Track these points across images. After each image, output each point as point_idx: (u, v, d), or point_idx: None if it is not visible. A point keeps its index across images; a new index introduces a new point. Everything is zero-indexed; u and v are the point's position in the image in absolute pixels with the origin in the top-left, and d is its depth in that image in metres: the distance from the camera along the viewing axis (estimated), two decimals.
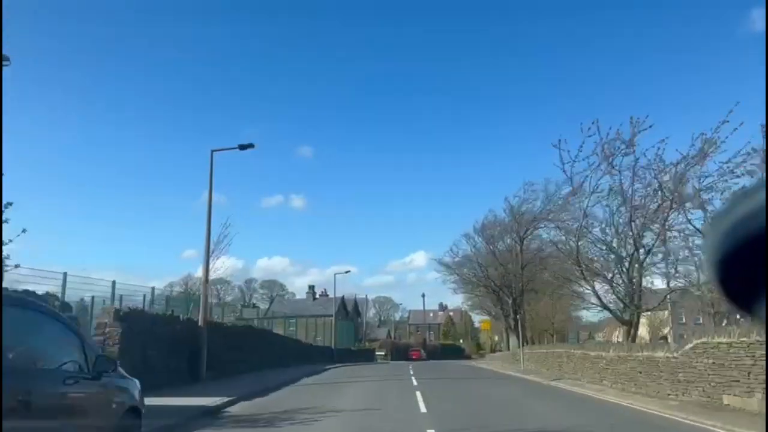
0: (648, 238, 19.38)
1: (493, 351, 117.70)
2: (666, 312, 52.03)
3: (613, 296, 21.21)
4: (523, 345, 31.43)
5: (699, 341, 11.80)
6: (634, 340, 19.04)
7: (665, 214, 18.11)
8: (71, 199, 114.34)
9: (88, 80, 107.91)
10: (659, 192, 18.24)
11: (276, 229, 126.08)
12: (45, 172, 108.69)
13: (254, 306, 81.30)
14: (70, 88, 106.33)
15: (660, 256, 19.60)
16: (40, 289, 14.00)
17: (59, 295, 15.05)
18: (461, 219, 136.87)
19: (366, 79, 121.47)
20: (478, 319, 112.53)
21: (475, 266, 46.38)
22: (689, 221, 17.72)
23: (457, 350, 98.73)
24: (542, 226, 44.63)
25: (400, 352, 71.58)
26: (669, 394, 12.90)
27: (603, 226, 19.89)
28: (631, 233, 19.33)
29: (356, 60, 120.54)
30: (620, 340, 50.73)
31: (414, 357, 71.27)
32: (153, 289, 25.53)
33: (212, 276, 19.45)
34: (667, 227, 18.27)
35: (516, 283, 44.41)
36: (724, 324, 25.74)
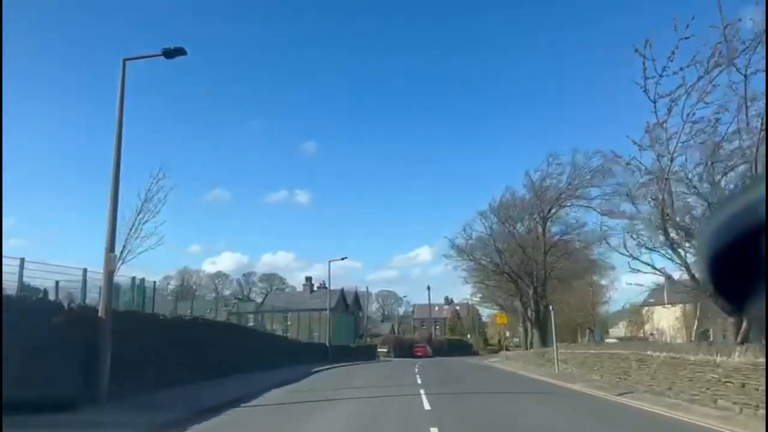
0: None
1: (501, 346, 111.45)
2: None
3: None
4: (557, 342, 24.95)
5: None
6: (746, 338, 12.60)
7: None
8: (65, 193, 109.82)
9: (88, 77, 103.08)
10: None
11: (280, 225, 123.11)
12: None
13: (249, 299, 75.06)
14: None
15: None
16: None
17: None
18: (467, 213, 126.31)
19: (371, 72, 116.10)
20: (487, 313, 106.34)
21: (491, 250, 39.79)
22: None
23: (465, 346, 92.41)
24: (568, 204, 38.20)
25: (404, 349, 65.23)
26: None
27: (698, 170, 13.43)
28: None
29: (361, 53, 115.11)
30: (664, 335, 43.93)
31: (419, 354, 64.95)
32: (85, 271, 19.05)
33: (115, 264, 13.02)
34: None
35: (538, 270, 37.89)
36: None
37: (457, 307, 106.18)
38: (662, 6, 48.15)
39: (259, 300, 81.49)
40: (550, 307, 25.56)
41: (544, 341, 38.69)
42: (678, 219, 14.14)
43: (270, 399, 14.35)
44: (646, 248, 16.50)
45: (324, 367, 29.36)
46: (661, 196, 13.66)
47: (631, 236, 17.46)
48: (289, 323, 51.24)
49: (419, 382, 18.41)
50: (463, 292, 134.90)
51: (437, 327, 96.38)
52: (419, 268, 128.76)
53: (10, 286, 13.15)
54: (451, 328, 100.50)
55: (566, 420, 11.04)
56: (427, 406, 11.86)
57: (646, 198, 16.17)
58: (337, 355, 41.60)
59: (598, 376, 18.64)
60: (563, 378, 20.73)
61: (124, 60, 12.93)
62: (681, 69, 12.31)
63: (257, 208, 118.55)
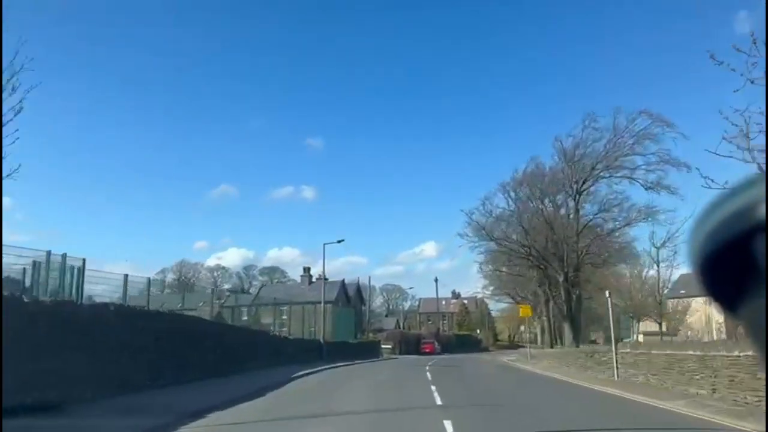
0: None
1: (512, 342, 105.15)
2: None
3: None
4: (615, 338, 18.55)
5: None
6: None
7: None
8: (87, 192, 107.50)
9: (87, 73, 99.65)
10: None
11: (286, 221, 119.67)
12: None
13: (245, 292, 68.95)
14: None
15: None
16: None
17: None
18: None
19: (377, 66, 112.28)
20: (498, 307, 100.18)
21: (515, 230, 33.32)
22: None
23: (474, 342, 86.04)
24: (606, 175, 31.72)
25: (410, 345, 58.97)
26: None
27: None
28: None
29: (365, 48, 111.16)
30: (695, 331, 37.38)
31: (427, 351, 58.64)
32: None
33: None
34: None
35: (569, 253, 31.47)
36: None
37: (465, 301, 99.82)
38: None
39: (262, 294, 75.23)
40: (607, 294, 19.12)
41: (577, 337, 32.39)
42: None
43: None
44: None
45: (311, 370, 23.07)
46: None
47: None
48: (285, 317, 45.02)
49: (439, 401, 11.92)
50: (471, 286, 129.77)
51: (444, 321, 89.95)
52: (424, 264, 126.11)
53: None
54: (459, 322, 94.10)
55: None
56: None
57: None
58: (333, 352, 35.38)
59: (706, 391, 12.30)
60: (641, 391, 14.34)
61: None
62: None
63: (263, 204, 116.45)
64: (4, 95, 10.99)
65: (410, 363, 33.05)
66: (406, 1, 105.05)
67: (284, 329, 42.27)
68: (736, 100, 11.83)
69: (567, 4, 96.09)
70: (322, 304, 35.46)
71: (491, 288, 66.08)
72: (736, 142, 9.60)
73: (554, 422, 9.49)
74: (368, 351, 45.77)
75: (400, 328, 72.33)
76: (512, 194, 32.62)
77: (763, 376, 9.14)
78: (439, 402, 11.78)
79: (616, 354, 18.11)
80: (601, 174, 31.53)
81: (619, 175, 30.97)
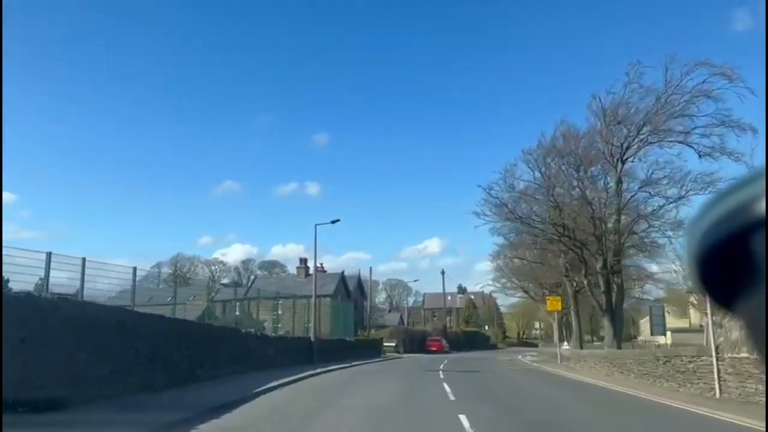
0: None
1: (521, 340, 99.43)
2: None
3: None
4: (713, 344, 12.83)
5: None
6: None
7: None
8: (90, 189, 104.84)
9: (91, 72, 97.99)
10: None
11: (290, 217, 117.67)
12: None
13: (238, 285, 63.34)
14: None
15: None
16: None
17: None
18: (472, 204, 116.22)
19: (382, 62, 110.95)
20: (507, 302, 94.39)
21: (543, 207, 27.51)
22: None
23: (482, 339, 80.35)
24: (655, 140, 25.96)
25: (415, 343, 53.37)
26: None
27: None
28: None
29: (372, 45, 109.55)
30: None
31: (433, 349, 52.98)
32: None
33: None
34: None
35: (609, 234, 25.76)
36: None
37: (472, 296, 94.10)
38: None
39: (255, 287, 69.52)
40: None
41: (618, 335, 26.64)
42: None
43: None
44: None
45: (291, 379, 17.37)
46: None
47: None
48: (279, 312, 39.41)
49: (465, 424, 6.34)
50: (476, 283, 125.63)
51: (450, 318, 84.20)
52: (428, 260, 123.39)
53: None
54: (465, 319, 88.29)
55: None
56: None
57: None
58: (327, 352, 29.82)
59: None
60: None
61: None
62: None
63: (267, 200, 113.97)
64: None
65: (418, 366, 27.40)
66: None
67: (279, 326, 36.92)
68: None
69: None
70: (313, 297, 29.85)
71: (503, 281, 60.36)
72: None
73: None
74: (369, 350, 40.15)
75: (403, 324, 66.61)
76: (539, 164, 26.65)
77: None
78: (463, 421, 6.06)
79: (717, 360, 12.40)
80: (648, 138, 25.72)
81: (670, 139, 25.16)
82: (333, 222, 29.29)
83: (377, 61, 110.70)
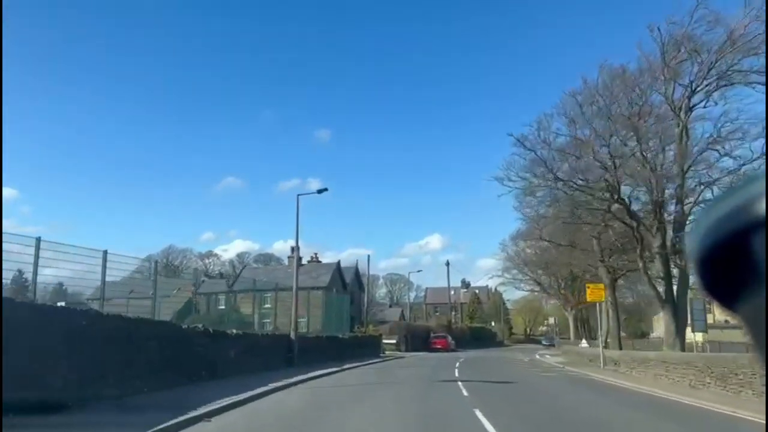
0: None
1: (528, 336, 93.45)
2: None
3: None
4: None
5: None
6: None
7: None
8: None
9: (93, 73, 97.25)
10: None
11: (292, 213, 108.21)
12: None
13: (223, 276, 57.48)
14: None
15: None
16: None
17: None
18: (480, 201, 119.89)
19: (385, 59, 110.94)
20: (513, 298, 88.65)
21: (588, 164, 21.45)
22: None
23: (488, 335, 74.40)
24: (725, 83, 19.98)
25: (417, 340, 47.55)
26: None
27: None
28: None
29: (374, 40, 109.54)
30: None
31: (438, 347, 47.17)
32: None
33: None
34: None
35: (669, 203, 19.84)
36: None
37: (476, 291, 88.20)
38: None
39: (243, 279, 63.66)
40: None
41: (681, 332, 20.70)
42: None
43: None
44: None
45: (237, 398, 11.43)
46: None
47: None
48: (268, 306, 33.55)
49: None
50: (478, 279, 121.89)
51: (455, 313, 78.32)
52: (429, 256, 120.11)
53: None
54: (470, 314, 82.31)
55: None
56: None
57: None
58: (313, 353, 24.02)
59: None
60: None
61: None
62: None
63: (269, 196, 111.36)
64: None
65: (426, 371, 21.49)
66: None
67: (266, 321, 31.26)
68: None
69: None
70: (294, 286, 23.97)
71: (513, 272, 54.52)
72: None
73: None
74: (366, 348, 34.31)
75: (404, 319, 60.70)
76: (585, 113, 20.60)
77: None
78: None
79: None
80: (718, 83, 19.79)
81: (750, 81, 19.21)
82: (319, 192, 23.36)
83: (380, 57, 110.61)
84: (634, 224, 20.29)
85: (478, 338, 65.34)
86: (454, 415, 9.61)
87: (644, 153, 19.29)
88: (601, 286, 22.14)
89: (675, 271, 20.77)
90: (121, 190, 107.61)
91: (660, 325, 68.55)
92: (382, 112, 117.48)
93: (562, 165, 21.17)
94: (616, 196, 19.73)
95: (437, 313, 79.75)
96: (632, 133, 19.46)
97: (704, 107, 19.82)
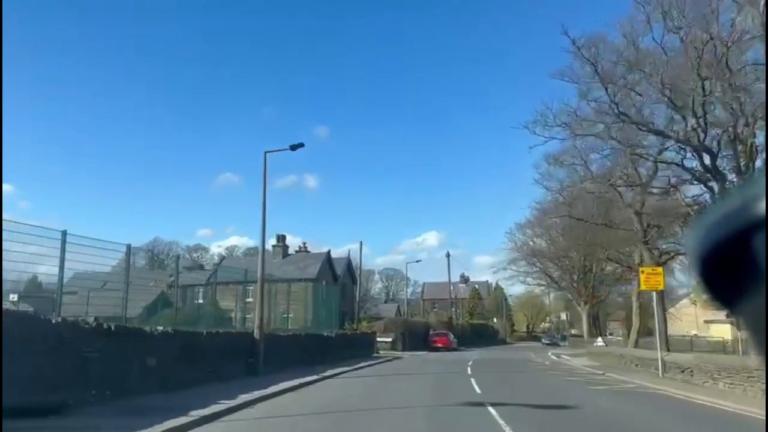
0: None
1: (530, 333, 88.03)
2: None
3: None
4: None
5: None
6: None
7: None
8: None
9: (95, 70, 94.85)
10: None
11: (289, 209, 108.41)
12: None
13: (201, 267, 51.91)
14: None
15: None
16: None
17: None
18: (477, 200, 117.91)
19: (384, 56, 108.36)
20: (517, 291, 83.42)
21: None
22: None
23: (490, 333, 69.12)
24: None
25: (415, 337, 42.20)
26: None
27: None
28: None
29: (373, 38, 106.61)
30: None
31: (439, 345, 41.83)
32: None
33: None
34: None
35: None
36: None
37: (476, 286, 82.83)
38: None
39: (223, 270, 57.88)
40: None
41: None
42: None
43: None
44: None
45: None
46: None
47: None
48: (249, 299, 28.09)
49: None
50: (476, 276, 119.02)
51: (454, 309, 72.97)
52: (426, 252, 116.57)
53: None
54: (470, 310, 76.91)
55: None
56: None
57: None
58: (286, 355, 18.68)
59: None
60: None
61: None
62: None
63: (267, 192, 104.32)
64: None
65: (431, 380, 16.06)
66: None
67: (248, 316, 25.81)
68: None
69: None
70: (259, 271, 18.47)
71: (521, 263, 49.19)
72: None
73: None
74: (357, 347, 28.98)
75: (401, 315, 55.33)
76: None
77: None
78: None
79: None
80: None
81: None
82: (293, 148, 17.75)
83: (379, 54, 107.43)
84: (714, 185, 14.92)
85: (479, 336, 60.12)
86: None
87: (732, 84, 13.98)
88: (659, 270, 16.77)
89: None
90: (116, 187, 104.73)
91: (675, 323, 63.04)
92: (379, 110, 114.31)
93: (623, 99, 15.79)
94: (701, 136, 14.30)
95: (435, 310, 74.41)
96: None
97: None
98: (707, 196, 16.95)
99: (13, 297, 15.04)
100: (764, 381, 11.11)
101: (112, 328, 10.49)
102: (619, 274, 46.41)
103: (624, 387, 14.52)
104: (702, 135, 14.61)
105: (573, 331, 63.15)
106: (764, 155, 15.54)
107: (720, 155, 15.44)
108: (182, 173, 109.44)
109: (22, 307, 14.12)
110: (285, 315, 34.25)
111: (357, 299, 36.70)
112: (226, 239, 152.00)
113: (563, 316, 49.70)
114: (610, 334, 54.92)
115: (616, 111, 15.82)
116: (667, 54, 15.70)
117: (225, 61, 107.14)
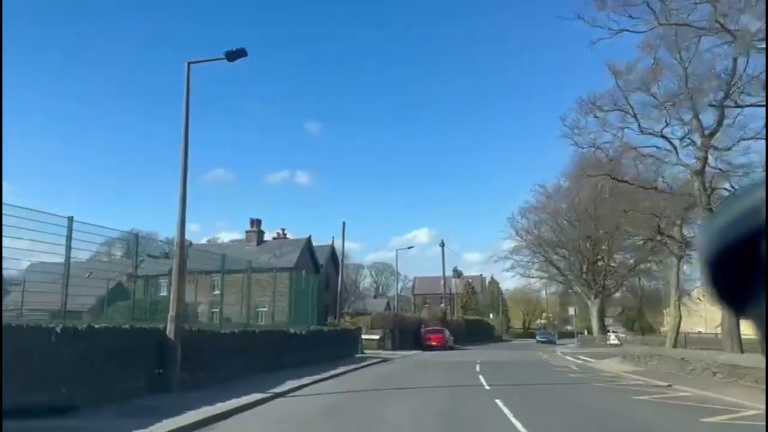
0: None
1: (527, 330, 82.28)
2: None
3: None
4: None
5: None
6: None
7: None
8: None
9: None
10: None
11: (280, 205, 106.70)
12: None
13: (167, 256, 45.61)
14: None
15: None
16: None
17: None
18: (470, 197, 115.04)
19: (377, 53, 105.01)
20: (510, 285, 78.41)
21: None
22: None
23: (486, 329, 63.78)
24: None
25: (406, 335, 36.65)
26: None
27: None
28: None
29: (365, 35, 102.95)
30: None
31: (434, 344, 36.32)
32: None
33: None
34: None
35: None
36: None
37: (470, 280, 77.42)
38: None
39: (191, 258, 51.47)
40: None
41: None
42: None
43: None
44: None
45: None
46: None
47: None
48: (216, 292, 22.26)
49: None
50: (470, 269, 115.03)
51: (451, 304, 67.49)
52: (417, 249, 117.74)
53: None
54: (463, 305, 71.45)
55: None
56: None
57: None
58: (237, 361, 13.09)
59: None
60: None
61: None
62: None
63: (258, 188, 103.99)
64: None
65: (438, 398, 10.47)
66: None
67: (215, 311, 20.45)
68: None
69: None
70: (177, 251, 12.55)
71: (524, 252, 43.78)
72: None
73: None
74: (336, 347, 23.41)
75: (391, 309, 49.72)
76: None
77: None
78: None
79: None
80: None
81: None
82: (229, 57, 11.74)
83: (372, 51, 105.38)
84: None
85: (475, 332, 54.75)
86: None
87: None
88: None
89: None
90: (108, 181, 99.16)
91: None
92: (371, 107, 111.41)
93: None
94: None
95: (427, 305, 68.91)
96: None
97: None
98: None
99: None
100: None
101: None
102: (631, 265, 41.19)
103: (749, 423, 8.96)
104: None
105: (567, 328, 57.93)
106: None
107: None
108: (172, 168, 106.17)
109: None
110: (258, 309, 28.56)
111: (339, 290, 30.96)
112: (216, 234, 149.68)
113: (571, 311, 44.27)
114: (613, 331, 49.88)
115: None
116: None
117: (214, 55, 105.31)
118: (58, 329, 7.94)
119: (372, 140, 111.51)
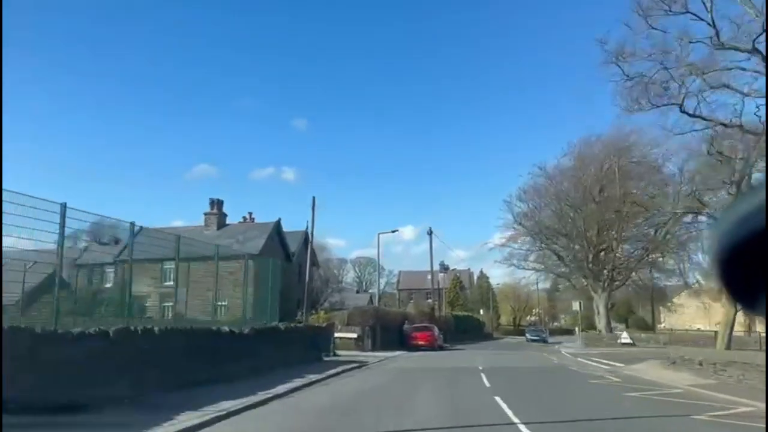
0: None
1: (518, 327, 77.23)
2: None
3: None
4: None
5: None
6: None
7: None
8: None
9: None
10: None
11: (266, 200, 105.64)
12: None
13: (117, 241, 39.43)
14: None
15: None
16: None
17: None
18: (455, 195, 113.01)
19: (363, 51, 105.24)
20: (498, 280, 73.88)
21: None
22: None
23: (476, 326, 58.83)
24: None
25: (389, 333, 31.32)
26: None
27: None
28: None
29: (353, 32, 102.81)
30: None
31: (421, 343, 30.97)
32: None
33: None
34: None
35: None
36: None
37: (458, 275, 72.38)
38: None
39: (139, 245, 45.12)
40: None
41: None
42: None
43: None
44: None
45: None
46: None
47: None
48: (170, 282, 16.62)
49: None
50: (456, 265, 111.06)
51: (439, 299, 62.35)
52: (401, 246, 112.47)
53: None
54: (450, 301, 66.30)
55: None
56: None
57: None
58: (114, 378, 7.58)
59: None
60: None
61: None
62: None
63: (243, 184, 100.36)
64: None
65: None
66: None
67: (167, 305, 14.74)
68: None
69: None
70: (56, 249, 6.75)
71: (522, 240, 38.66)
72: None
73: None
74: (296, 349, 17.92)
75: (373, 303, 44.33)
76: None
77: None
78: None
79: None
80: None
81: None
82: None
83: (358, 49, 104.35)
84: None
85: (465, 330, 49.79)
86: None
87: None
88: None
89: None
90: (90, 176, 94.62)
91: (673, 315, 52.74)
92: (358, 104, 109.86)
93: None
94: None
95: (412, 300, 63.67)
96: None
97: None
98: None
99: None
100: None
101: None
102: (640, 255, 36.32)
103: None
104: None
105: (556, 324, 53.06)
106: None
107: None
108: (155, 162, 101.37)
109: None
110: (217, 303, 22.86)
111: (308, 279, 25.45)
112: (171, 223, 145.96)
113: (575, 306, 39.22)
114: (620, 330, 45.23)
115: None
116: None
117: (203, 54, 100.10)
118: None
119: (358, 137, 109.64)
